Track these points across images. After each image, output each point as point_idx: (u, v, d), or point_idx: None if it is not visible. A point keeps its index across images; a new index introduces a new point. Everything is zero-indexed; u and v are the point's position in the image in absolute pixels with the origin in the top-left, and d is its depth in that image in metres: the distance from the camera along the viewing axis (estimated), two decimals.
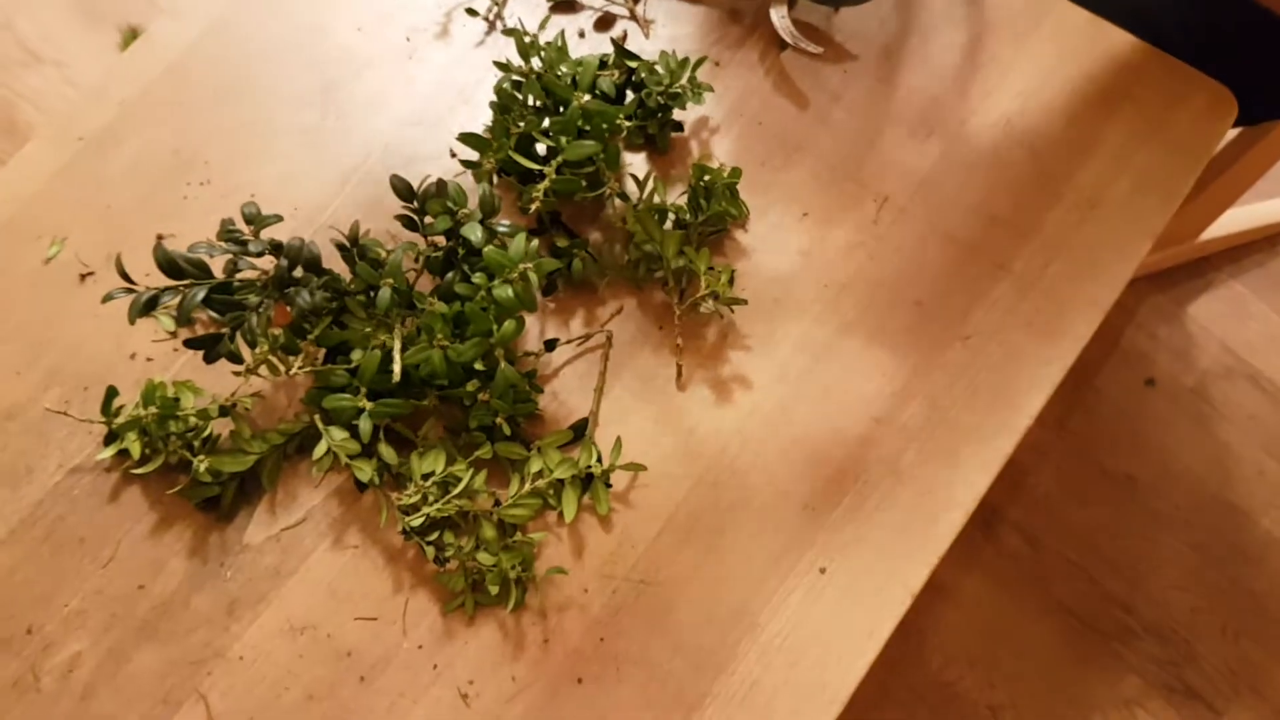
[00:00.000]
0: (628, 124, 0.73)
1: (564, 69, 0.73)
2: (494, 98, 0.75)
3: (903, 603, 0.65)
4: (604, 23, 0.82)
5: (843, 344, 0.72)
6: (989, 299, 0.73)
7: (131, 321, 0.63)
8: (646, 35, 0.80)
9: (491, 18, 0.82)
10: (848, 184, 0.76)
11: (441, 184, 0.70)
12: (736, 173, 0.74)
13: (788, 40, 0.79)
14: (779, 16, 0.80)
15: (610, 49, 0.76)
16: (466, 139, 0.72)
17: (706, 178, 0.73)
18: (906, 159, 0.77)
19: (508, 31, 0.78)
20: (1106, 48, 0.79)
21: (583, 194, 0.72)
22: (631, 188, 0.76)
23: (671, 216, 0.74)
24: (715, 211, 0.72)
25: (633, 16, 0.82)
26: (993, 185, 0.76)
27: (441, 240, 0.71)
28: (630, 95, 0.75)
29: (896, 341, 0.72)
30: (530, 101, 0.73)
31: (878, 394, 0.71)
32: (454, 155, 0.78)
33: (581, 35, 0.81)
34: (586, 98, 0.71)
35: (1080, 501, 1.35)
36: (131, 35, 1.65)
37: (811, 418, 0.71)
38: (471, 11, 0.82)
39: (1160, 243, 0.74)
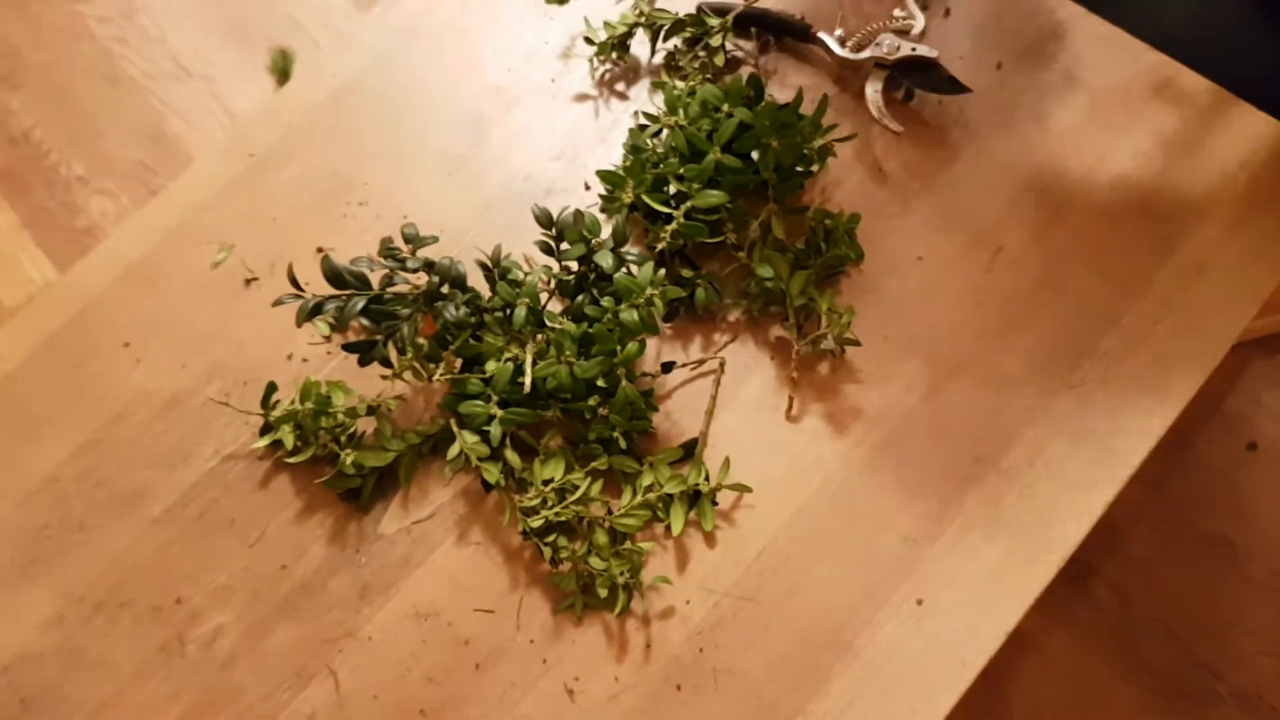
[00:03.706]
0: (754, 177, 0.77)
1: (704, 124, 0.76)
2: (627, 138, 0.81)
3: (996, 640, 0.67)
4: (730, 64, 0.87)
5: (950, 385, 0.75)
6: (1097, 351, 0.75)
7: (298, 324, 0.70)
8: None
9: (615, 59, 0.88)
10: (962, 233, 0.79)
11: (579, 214, 0.75)
12: (855, 219, 0.77)
13: (874, 114, 0.83)
14: (872, 91, 0.84)
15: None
16: (605, 176, 0.77)
17: (828, 221, 0.77)
18: (1022, 211, 0.80)
19: (657, 84, 0.83)
20: (1224, 116, 0.81)
21: (704, 239, 0.76)
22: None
23: (790, 256, 0.77)
24: (834, 254, 0.76)
25: (756, 65, 0.86)
26: (1105, 242, 0.78)
27: (574, 265, 0.76)
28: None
29: (1004, 386, 0.74)
30: (669, 146, 0.78)
31: (982, 436, 0.73)
32: (588, 188, 0.83)
33: (711, 78, 0.85)
34: (722, 153, 0.75)
35: (1174, 563, 1.33)
36: (280, 56, 1.74)
37: (915, 453, 0.73)
38: (595, 42, 0.87)
39: (1267, 307, 0.75)
